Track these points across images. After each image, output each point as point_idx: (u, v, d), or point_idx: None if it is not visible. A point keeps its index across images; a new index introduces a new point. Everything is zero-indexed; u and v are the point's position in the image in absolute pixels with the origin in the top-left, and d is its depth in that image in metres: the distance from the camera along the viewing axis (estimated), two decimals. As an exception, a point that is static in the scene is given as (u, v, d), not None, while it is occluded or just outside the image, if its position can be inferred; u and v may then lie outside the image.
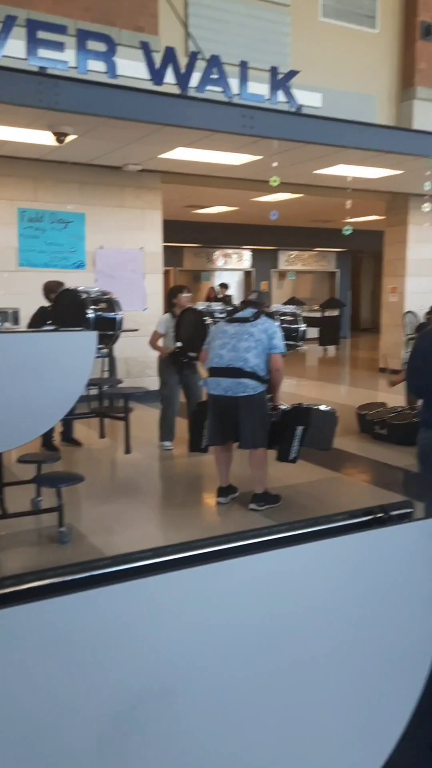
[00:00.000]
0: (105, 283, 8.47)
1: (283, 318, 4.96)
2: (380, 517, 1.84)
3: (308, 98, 7.82)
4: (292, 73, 7.37)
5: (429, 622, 1.81)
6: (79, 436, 6.51)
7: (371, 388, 9.65)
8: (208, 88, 6.99)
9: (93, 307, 5.22)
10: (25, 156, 7.82)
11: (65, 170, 8.24)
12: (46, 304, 5.92)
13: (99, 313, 5.25)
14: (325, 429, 4.67)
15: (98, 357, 7.15)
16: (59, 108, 5.80)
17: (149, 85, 6.67)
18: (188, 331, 5.42)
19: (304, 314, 17.60)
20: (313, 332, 16.41)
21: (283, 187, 9.67)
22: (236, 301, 13.60)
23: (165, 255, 9.29)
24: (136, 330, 8.19)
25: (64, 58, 6.32)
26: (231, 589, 1.44)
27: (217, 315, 4.91)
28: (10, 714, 1.00)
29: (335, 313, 15.93)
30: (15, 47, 6.12)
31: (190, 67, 6.72)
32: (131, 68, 6.74)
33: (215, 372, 4.45)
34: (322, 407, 4.72)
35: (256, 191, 9.69)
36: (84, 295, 5.30)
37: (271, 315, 4.80)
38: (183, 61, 6.90)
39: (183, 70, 6.75)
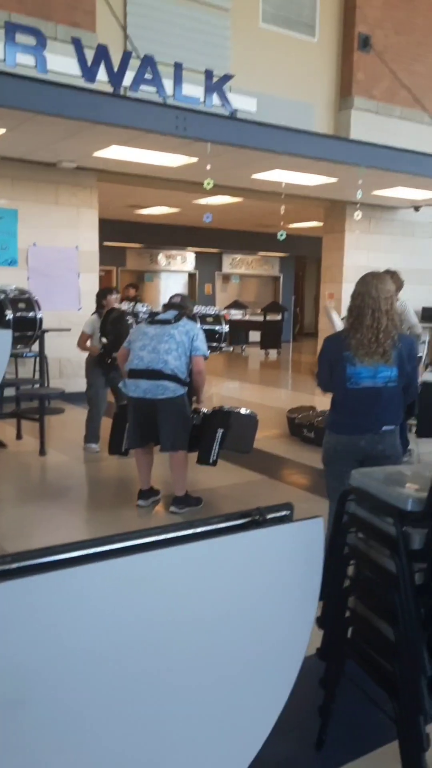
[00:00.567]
0: (38, 281, 8.31)
1: (205, 320, 4.96)
2: (257, 520, 1.85)
3: (244, 103, 7.86)
4: (227, 77, 7.40)
5: (303, 619, 1.82)
6: (2, 437, 6.39)
7: (307, 391, 9.78)
8: (143, 88, 6.94)
9: (11, 308, 5.09)
10: None
11: (-4, 165, 8.06)
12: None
13: (19, 313, 5.13)
14: (246, 432, 4.69)
15: (27, 357, 7.03)
16: (-15, 101, 5.66)
17: (82, 83, 6.59)
18: (111, 332, 5.37)
19: (247, 318, 17.71)
20: (255, 336, 16.61)
21: (222, 190, 9.72)
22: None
23: (107, 254, 9.20)
24: (68, 329, 8.07)
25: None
26: (99, 592, 1.42)
27: (141, 315, 4.87)
28: None
29: (277, 317, 16.09)
30: None
31: (123, 65, 6.66)
32: (64, 64, 6.63)
33: (135, 374, 4.40)
34: (243, 410, 4.74)
35: (195, 193, 9.68)
36: (2, 296, 5.16)
37: (193, 317, 4.79)
38: (117, 59, 6.83)
39: (116, 68, 6.68)
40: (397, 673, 1.81)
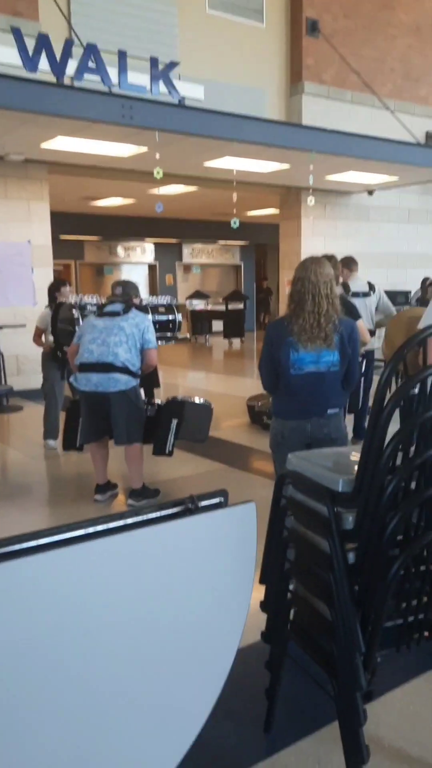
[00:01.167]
0: (-9, 277, 8.17)
1: (157, 310, 4.92)
2: (190, 508, 1.85)
3: (192, 90, 7.80)
4: (173, 64, 7.32)
5: (239, 601, 1.83)
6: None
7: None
8: (88, 77, 6.83)
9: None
10: None
11: None
12: None
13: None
14: (200, 421, 4.69)
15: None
16: None
17: (24, 73, 6.44)
18: (61, 325, 5.30)
19: (210, 308, 17.60)
20: (218, 325, 16.60)
21: (175, 179, 9.65)
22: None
23: (65, 248, 9.06)
24: (23, 326, 7.96)
25: None
26: (32, 586, 1.41)
27: (89, 308, 4.81)
28: None
29: (240, 306, 16.09)
30: None
31: (65, 55, 6.54)
32: (4, 54, 6.48)
33: (85, 367, 4.35)
34: (197, 400, 4.73)
35: (148, 183, 9.60)
36: None
37: (144, 308, 4.75)
38: (60, 48, 6.70)
39: (59, 58, 6.56)
40: (335, 652, 1.83)
